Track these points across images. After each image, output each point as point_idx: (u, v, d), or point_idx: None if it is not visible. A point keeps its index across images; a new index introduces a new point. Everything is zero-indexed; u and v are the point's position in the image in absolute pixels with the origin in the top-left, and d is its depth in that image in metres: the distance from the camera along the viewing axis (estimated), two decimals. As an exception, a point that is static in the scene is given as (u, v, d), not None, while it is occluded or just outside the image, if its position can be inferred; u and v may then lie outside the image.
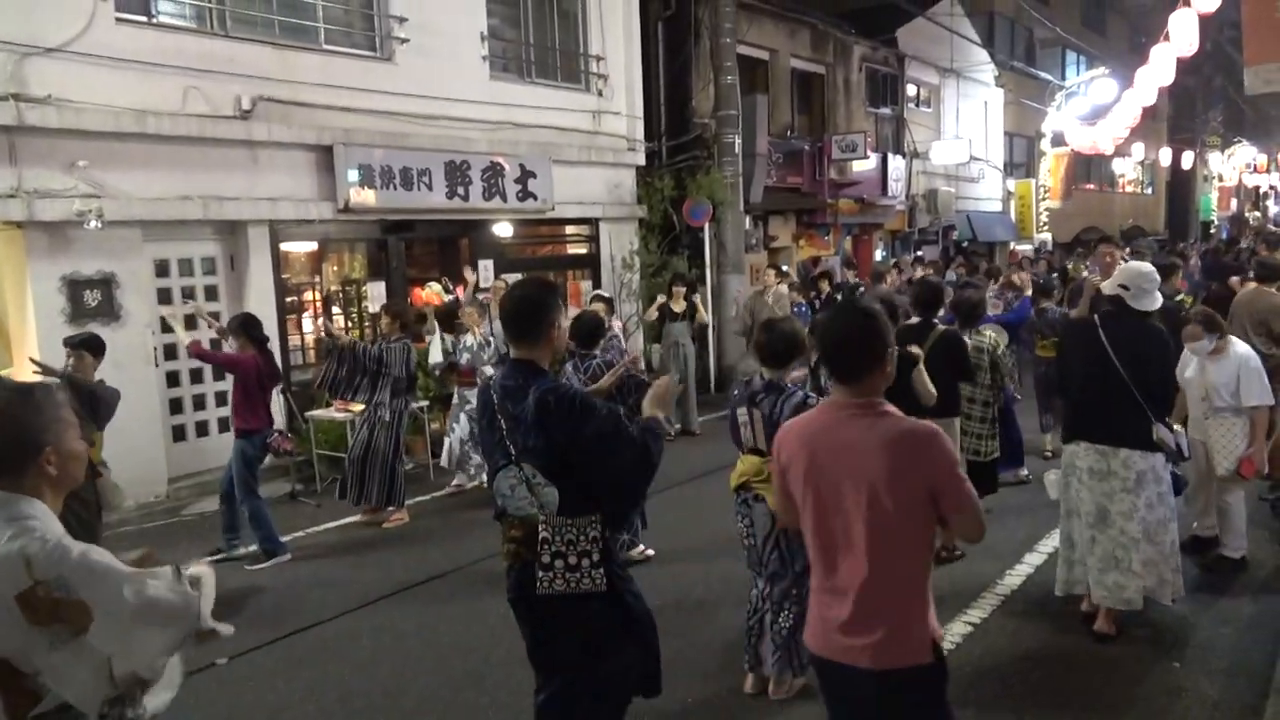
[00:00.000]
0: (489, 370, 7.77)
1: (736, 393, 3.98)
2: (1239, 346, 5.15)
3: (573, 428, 2.78)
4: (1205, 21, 8.77)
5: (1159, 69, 10.86)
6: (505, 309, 3.01)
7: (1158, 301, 4.39)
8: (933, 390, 4.88)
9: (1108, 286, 4.49)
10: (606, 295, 9.01)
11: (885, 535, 2.36)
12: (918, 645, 2.38)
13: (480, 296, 10.33)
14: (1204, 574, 5.30)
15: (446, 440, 8.10)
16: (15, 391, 2.07)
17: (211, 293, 8.53)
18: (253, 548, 6.38)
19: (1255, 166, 34.94)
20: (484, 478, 7.99)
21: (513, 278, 11.18)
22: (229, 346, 6.74)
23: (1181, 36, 9.28)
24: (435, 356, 7.80)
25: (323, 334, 7.62)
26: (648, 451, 2.88)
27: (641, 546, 5.87)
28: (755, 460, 3.88)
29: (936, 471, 2.35)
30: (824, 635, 2.48)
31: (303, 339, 9.36)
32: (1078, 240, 26.67)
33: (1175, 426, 4.55)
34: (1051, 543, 5.76)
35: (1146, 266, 4.48)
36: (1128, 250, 15.34)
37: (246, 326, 6.47)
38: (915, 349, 5.03)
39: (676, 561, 5.82)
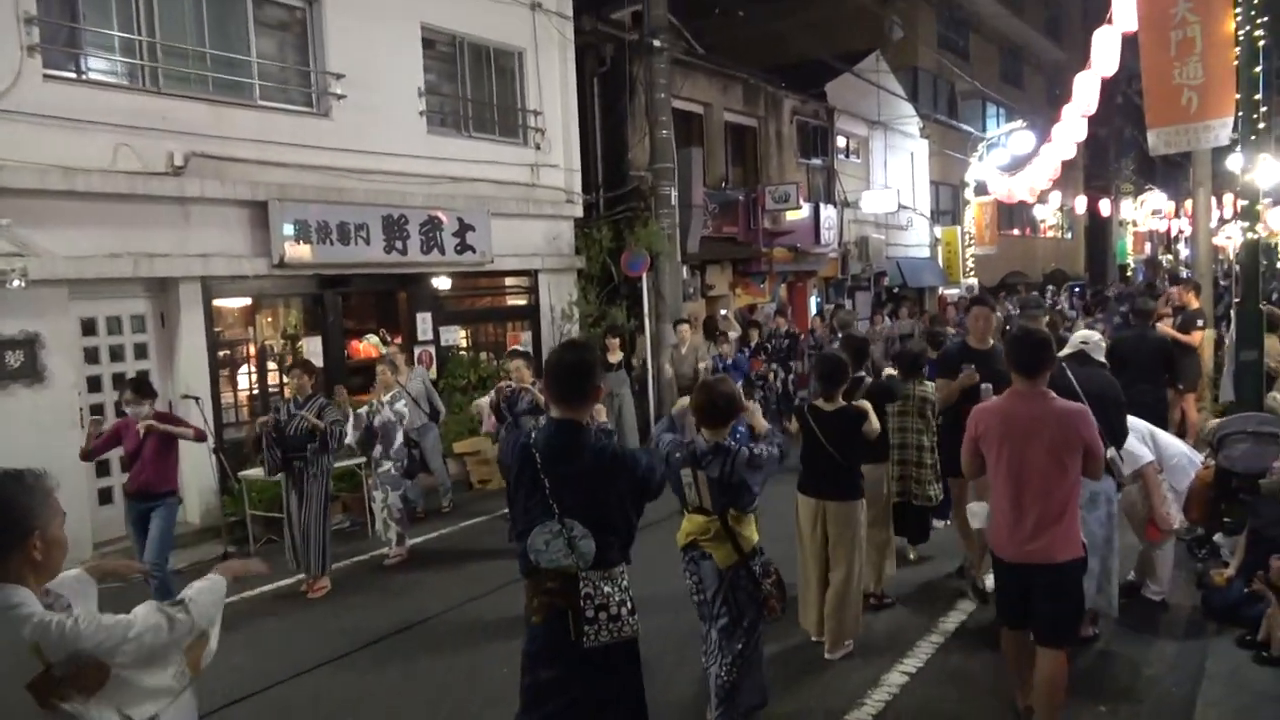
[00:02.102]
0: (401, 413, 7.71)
1: (678, 454, 4.01)
2: None
3: (625, 480, 3.01)
4: (1114, 75, 9.28)
5: (1070, 126, 11.44)
6: (554, 373, 3.12)
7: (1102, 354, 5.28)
8: (877, 425, 5.08)
9: (1070, 346, 5.31)
10: (523, 350, 9.07)
11: (1056, 475, 3.72)
12: (1075, 544, 3.78)
13: (418, 351, 10.32)
14: (1124, 615, 5.49)
15: (378, 512, 7.77)
16: (6, 473, 2.06)
17: (141, 351, 8.36)
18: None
19: (1164, 213, 36.63)
20: (397, 554, 7.68)
21: (451, 331, 11.23)
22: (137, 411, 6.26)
23: (1085, 96, 9.82)
24: (348, 437, 7.60)
25: (258, 429, 7.30)
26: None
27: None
28: (701, 519, 3.94)
29: (1089, 434, 3.76)
30: (1014, 545, 3.79)
31: (235, 396, 9.20)
32: (1003, 284, 27.65)
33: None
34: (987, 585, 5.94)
35: (1095, 334, 5.50)
36: (1012, 307, 16.08)
37: (150, 390, 6.30)
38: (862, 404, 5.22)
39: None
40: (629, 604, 3.04)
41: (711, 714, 4.08)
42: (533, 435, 3.12)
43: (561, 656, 2.99)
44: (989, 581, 5.45)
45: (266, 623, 6.34)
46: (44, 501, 2.03)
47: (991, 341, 6.05)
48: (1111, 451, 4.84)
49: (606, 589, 2.97)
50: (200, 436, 6.43)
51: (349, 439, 7.31)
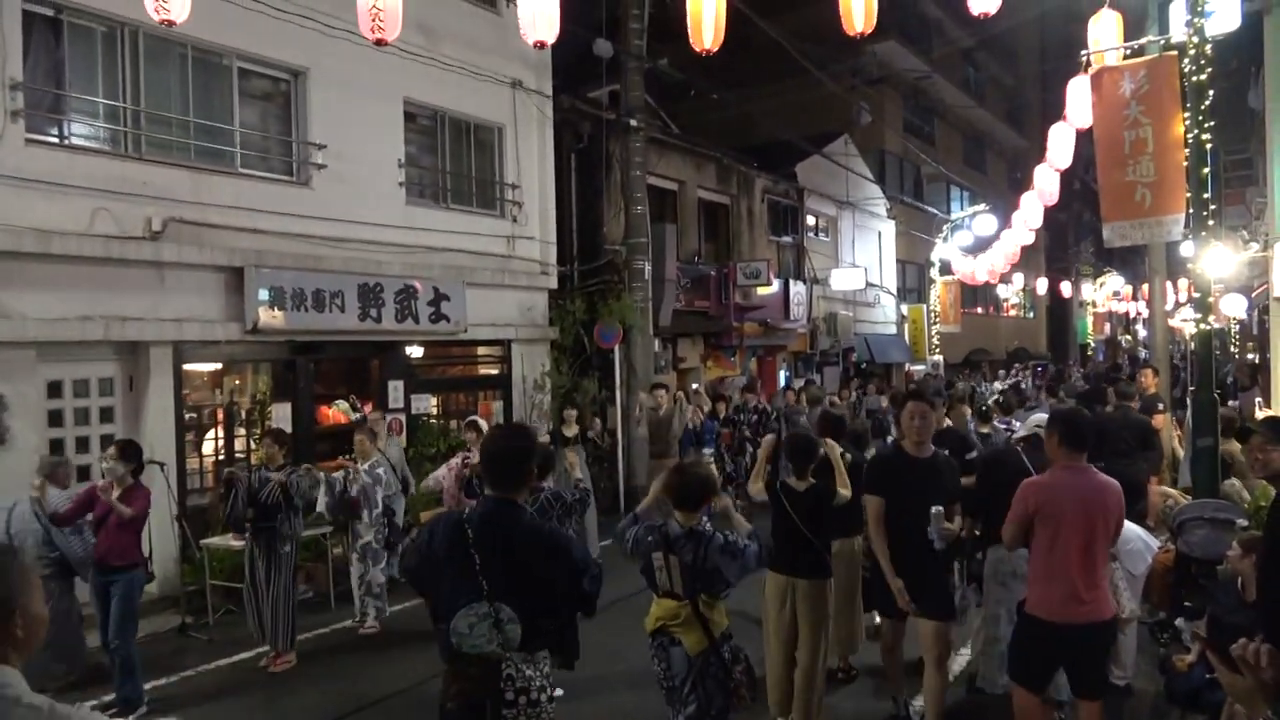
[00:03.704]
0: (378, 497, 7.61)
1: (651, 538, 3.99)
2: None
3: (558, 563, 2.96)
4: (1073, 160, 9.68)
5: (1029, 213, 11.87)
6: (489, 457, 3.14)
7: None
8: (847, 492, 5.14)
9: (1025, 429, 5.69)
10: (481, 423, 9.09)
11: (1101, 541, 4.14)
12: (1110, 604, 4.24)
13: (388, 419, 10.25)
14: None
15: (355, 587, 7.64)
16: None
17: (107, 414, 8.25)
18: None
19: (1123, 295, 37.68)
20: (371, 627, 7.55)
21: (423, 399, 11.20)
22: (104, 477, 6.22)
23: (1045, 186, 10.25)
24: (319, 504, 7.48)
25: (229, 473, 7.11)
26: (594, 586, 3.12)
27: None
28: (671, 604, 3.91)
29: (1122, 507, 4.22)
30: (1061, 608, 4.09)
31: (201, 462, 9.08)
32: (967, 361, 28.16)
33: None
34: (957, 663, 5.95)
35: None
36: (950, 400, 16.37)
37: (135, 454, 6.13)
38: None
39: (582, 699, 5.72)
40: (549, 691, 2.96)
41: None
42: (466, 512, 3.11)
43: None
44: (916, 704, 5.39)
45: (226, 700, 6.17)
46: (22, 578, 1.99)
47: (933, 449, 4.94)
48: None
49: (529, 672, 2.91)
50: (135, 521, 6.00)
51: (320, 506, 7.19)
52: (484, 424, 9.62)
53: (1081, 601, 4.07)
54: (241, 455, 9.34)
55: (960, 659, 6.19)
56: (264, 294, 8.87)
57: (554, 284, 12.67)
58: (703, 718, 3.89)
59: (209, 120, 8.83)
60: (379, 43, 6.57)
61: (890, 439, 8.27)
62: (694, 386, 14.91)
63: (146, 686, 6.05)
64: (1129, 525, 5.81)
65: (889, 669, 5.30)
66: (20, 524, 6.39)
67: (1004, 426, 8.47)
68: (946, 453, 5.30)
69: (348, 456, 8.08)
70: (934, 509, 4.58)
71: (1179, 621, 6.19)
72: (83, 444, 8.03)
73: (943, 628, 4.84)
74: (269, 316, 8.90)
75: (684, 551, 3.84)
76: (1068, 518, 4.08)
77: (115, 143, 8.22)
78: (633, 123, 12.90)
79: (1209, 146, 7.10)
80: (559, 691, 5.62)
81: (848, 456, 6.13)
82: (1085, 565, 4.09)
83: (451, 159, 11.54)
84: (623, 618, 3.88)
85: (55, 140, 7.84)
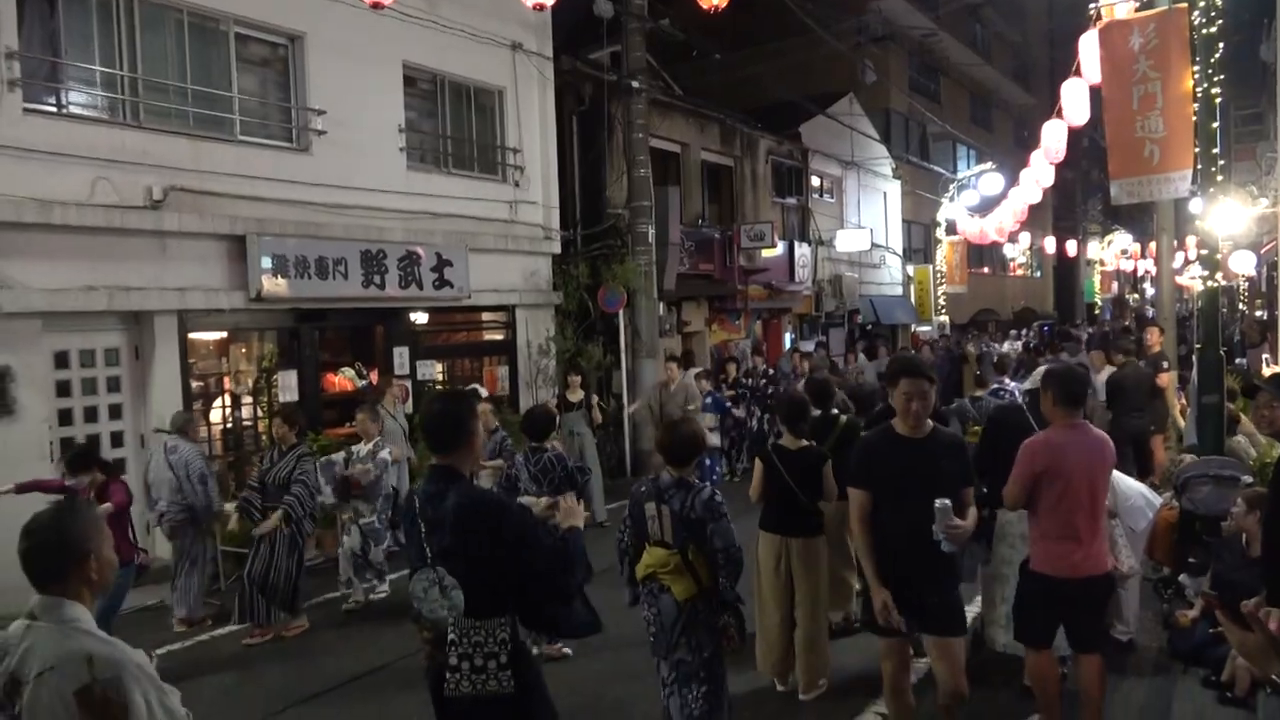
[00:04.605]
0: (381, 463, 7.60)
1: (644, 489, 4.09)
2: None
3: (491, 526, 2.91)
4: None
5: (1038, 171, 11.74)
6: (424, 423, 3.15)
7: None
8: (835, 488, 5.12)
9: (1030, 382, 5.74)
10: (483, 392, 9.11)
11: (1101, 495, 4.23)
12: (1107, 559, 4.33)
13: (396, 382, 10.28)
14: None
15: (340, 554, 7.66)
16: (57, 504, 2.35)
17: (114, 384, 8.29)
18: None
19: (1130, 253, 37.44)
20: (382, 590, 7.60)
21: (427, 365, 11.23)
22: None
23: (1053, 144, 10.12)
24: (324, 496, 7.33)
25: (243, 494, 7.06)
26: (565, 545, 3.05)
27: (560, 645, 5.84)
28: (661, 552, 3.98)
29: (1114, 460, 4.34)
30: (1067, 565, 4.14)
31: (209, 430, 9.13)
32: (973, 322, 28.06)
33: None
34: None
35: None
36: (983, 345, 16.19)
37: (93, 457, 6.14)
38: None
39: (590, 657, 5.80)
40: (501, 658, 2.91)
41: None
42: (419, 483, 3.17)
43: (441, 708, 3.00)
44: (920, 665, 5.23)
45: (233, 666, 6.25)
46: (95, 526, 2.29)
47: (931, 425, 4.05)
48: None
49: (476, 638, 2.90)
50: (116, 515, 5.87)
51: (324, 497, 7.16)
52: (484, 392, 9.67)
53: (1084, 556, 4.14)
54: (249, 423, 9.41)
55: (967, 614, 6.22)
56: (267, 262, 8.85)
57: (557, 249, 12.63)
58: (694, 661, 3.96)
59: (207, 87, 8.75)
60: (375, 6, 6.50)
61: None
62: (695, 370, 14.79)
63: (159, 651, 6.13)
64: (1130, 482, 5.83)
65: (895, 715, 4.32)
66: (157, 473, 7.11)
67: (991, 391, 8.39)
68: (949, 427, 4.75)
69: (351, 425, 8.11)
70: (938, 503, 3.71)
71: (1183, 578, 6.23)
72: (91, 414, 8.07)
73: (954, 642, 4.07)
74: (272, 284, 8.89)
75: (673, 500, 3.95)
76: (1073, 475, 4.12)
77: (114, 111, 8.16)
78: (635, 84, 12.74)
79: (1219, 101, 7.00)
80: (567, 651, 5.80)
81: (844, 418, 6.18)
82: (1089, 521, 4.15)
83: (452, 123, 11.45)
84: (605, 584, 3.95)
85: (53, 109, 7.79)
